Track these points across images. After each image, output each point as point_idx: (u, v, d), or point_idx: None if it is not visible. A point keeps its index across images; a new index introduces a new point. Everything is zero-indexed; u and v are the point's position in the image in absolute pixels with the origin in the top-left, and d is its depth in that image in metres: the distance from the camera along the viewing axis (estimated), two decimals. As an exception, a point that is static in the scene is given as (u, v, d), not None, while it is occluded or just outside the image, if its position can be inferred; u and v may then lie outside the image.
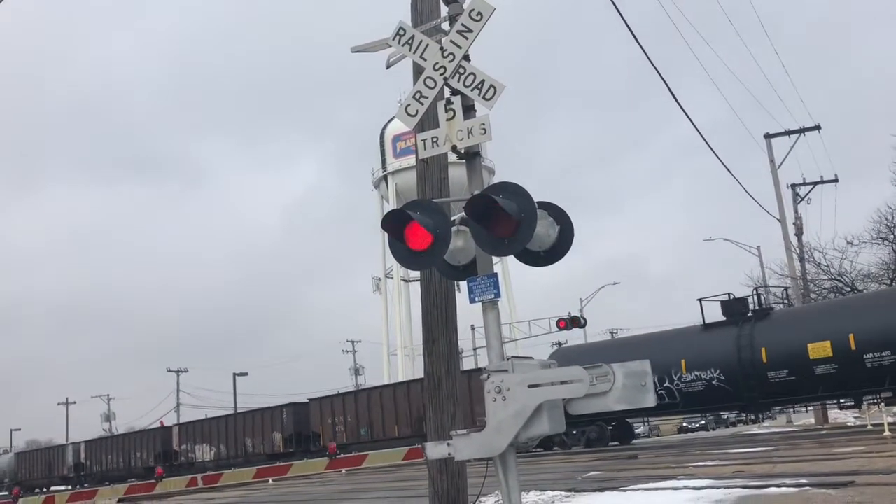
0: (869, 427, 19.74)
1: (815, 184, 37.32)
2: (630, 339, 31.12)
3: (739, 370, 23.11)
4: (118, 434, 59.06)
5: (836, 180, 37.29)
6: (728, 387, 23.67)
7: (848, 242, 35.37)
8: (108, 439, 53.52)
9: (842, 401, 23.80)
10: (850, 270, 35.19)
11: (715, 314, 25.32)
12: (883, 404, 21.77)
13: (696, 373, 24.41)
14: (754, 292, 25.87)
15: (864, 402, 22.18)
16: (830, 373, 21.36)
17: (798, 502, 8.25)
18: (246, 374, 69.04)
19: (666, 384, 24.82)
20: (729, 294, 25.62)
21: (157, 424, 55.75)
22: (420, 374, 35.81)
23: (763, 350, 22.92)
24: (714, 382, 23.94)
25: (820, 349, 21.47)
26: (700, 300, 26.08)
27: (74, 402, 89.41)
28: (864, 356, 20.73)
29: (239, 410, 49.42)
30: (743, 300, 25.27)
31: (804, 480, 9.85)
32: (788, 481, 9.93)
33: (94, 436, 63.19)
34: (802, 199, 37.23)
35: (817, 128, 36.23)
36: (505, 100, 5.52)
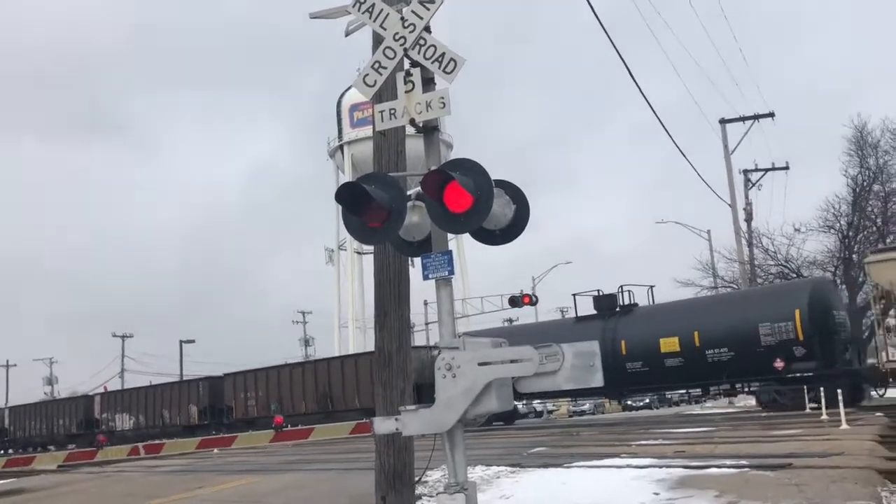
0: (808, 410, 20.31)
1: (766, 170, 37.99)
2: (518, 327, 33.19)
3: (603, 360, 23.83)
4: (41, 401, 58.39)
5: (787, 168, 38.02)
6: None
7: (795, 229, 36.20)
8: (32, 406, 53.54)
9: (690, 390, 26.40)
10: (796, 257, 36.05)
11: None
12: (722, 395, 23.48)
13: None
14: (620, 289, 27.45)
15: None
16: (678, 365, 23.73)
17: (737, 483, 8.44)
18: (193, 341, 68.29)
19: None
20: (598, 290, 27.91)
21: (101, 389, 55.01)
22: (369, 347, 35.95)
23: (623, 343, 25.19)
24: None
25: (670, 344, 23.86)
26: (574, 295, 28.71)
27: (15, 365, 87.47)
28: (707, 352, 23.16)
29: (170, 381, 49.45)
30: (612, 296, 27.16)
31: (744, 462, 10.08)
32: (728, 462, 10.16)
33: (35, 399, 62.07)
34: (754, 185, 37.89)
35: (771, 115, 36.82)
36: (464, 75, 5.44)
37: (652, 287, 29.54)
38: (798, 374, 21.81)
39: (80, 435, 44.51)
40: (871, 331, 22.39)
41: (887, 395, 23.31)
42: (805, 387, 21.22)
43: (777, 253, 36.79)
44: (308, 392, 34.11)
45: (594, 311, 27.39)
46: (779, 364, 21.82)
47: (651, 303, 28.87)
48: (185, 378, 43.98)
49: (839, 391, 15.72)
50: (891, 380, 20.60)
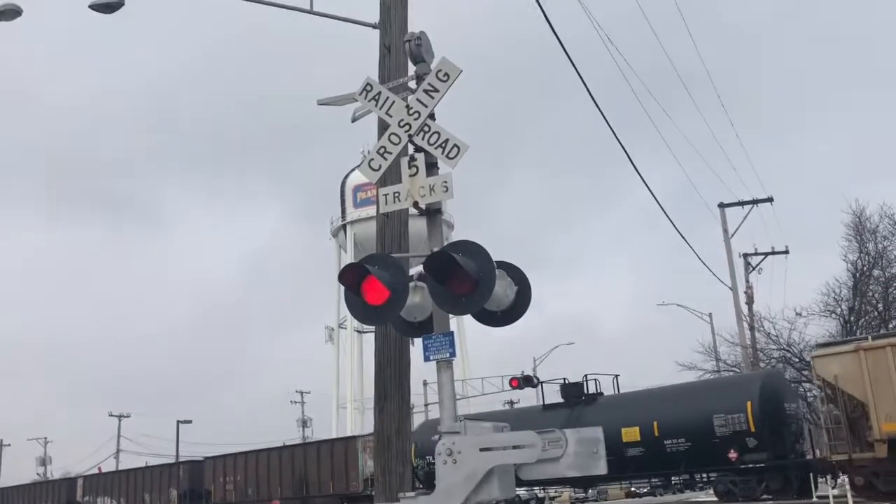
0: (814, 499, 19.80)
1: (766, 254, 38.10)
2: (490, 413, 33.47)
3: None
4: (27, 483, 58.07)
5: (786, 252, 38.13)
6: None
7: (797, 313, 36.04)
8: (17, 488, 53.89)
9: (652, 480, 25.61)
10: (798, 341, 35.81)
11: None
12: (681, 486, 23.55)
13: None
14: (585, 378, 27.91)
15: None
16: (639, 455, 23.92)
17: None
18: (190, 421, 67.22)
19: None
20: (564, 379, 28.43)
21: (96, 470, 54.01)
22: (368, 428, 35.25)
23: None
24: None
25: (631, 434, 23.95)
26: (541, 382, 29.70)
27: (9, 445, 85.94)
28: (665, 442, 23.41)
29: (159, 463, 49.63)
30: (578, 384, 27.52)
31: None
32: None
33: (27, 480, 60.99)
34: (754, 268, 37.96)
35: (770, 200, 37.18)
36: (469, 157, 5.55)
37: (617, 376, 30.03)
38: (751, 465, 22.25)
39: None
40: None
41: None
42: (758, 478, 21.83)
43: (779, 337, 36.60)
44: (285, 477, 34.26)
45: (561, 400, 27.72)
46: (732, 455, 22.18)
47: (616, 392, 29.18)
48: (164, 463, 44.67)
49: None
50: (839, 472, 20.22)
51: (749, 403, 22.21)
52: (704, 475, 24.92)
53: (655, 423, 23.76)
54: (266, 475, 34.99)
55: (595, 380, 27.95)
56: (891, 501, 17.97)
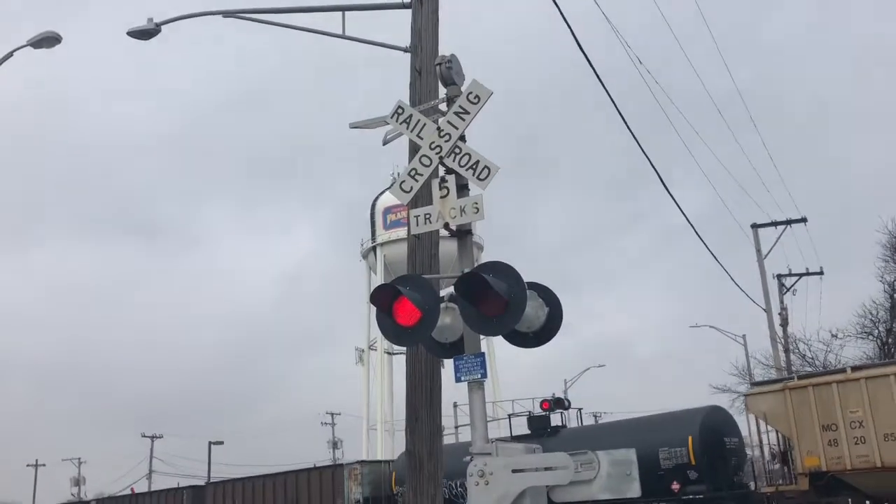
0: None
1: (800, 275, 37.60)
2: (465, 444, 35.35)
3: None
4: None
5: (821, 273, 37.61)
6: None
7: (833, 335, 35.50)
8: None
9: None
10: (834, 363, 35.18)
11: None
12: None
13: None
14: (549, 411, 29.29)
15: None
16: None
17: None
18: (222, 443, 67.44)
19: None
20: (529, 412, 30.26)
21: (129, 491, 54.35)
22: (399, 450, 35.18)
23: None
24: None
25: None
26: (510, 415, 31.74)
27: (44, 465, 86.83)
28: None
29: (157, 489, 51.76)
30: (545, 416, 28.85)
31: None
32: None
33: (62, 500, 61.54)
34: (788, 289, 37.46)
35: (803, 220, 36.73)
36: (500, 179, 5.57)
37: (580, 409, 32.33)
38: (692, 497, 23.07)
39: None
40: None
41: None
42: None
43: (815, 359, 36.02)
44: (278, 501, 35.74)
45: (528, 431, 29.03)
46: (675, 486, 23.11)
47: (579, 424, 31.10)
48: (212, 480, 45.62)
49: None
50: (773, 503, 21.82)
51: (690, 438, 23.42)
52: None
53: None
54: (262, 499, 36.75)
55: (561, 413, 29.57)
56: None
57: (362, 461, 35.18)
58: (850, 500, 19.78)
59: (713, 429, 23.97)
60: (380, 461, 35.45)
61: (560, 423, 29.32)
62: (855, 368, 20.66)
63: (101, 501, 48.99)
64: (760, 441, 22.45)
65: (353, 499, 31.63)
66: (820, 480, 19.96)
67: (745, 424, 24.33)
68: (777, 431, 21.09)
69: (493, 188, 5.60)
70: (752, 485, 24.27)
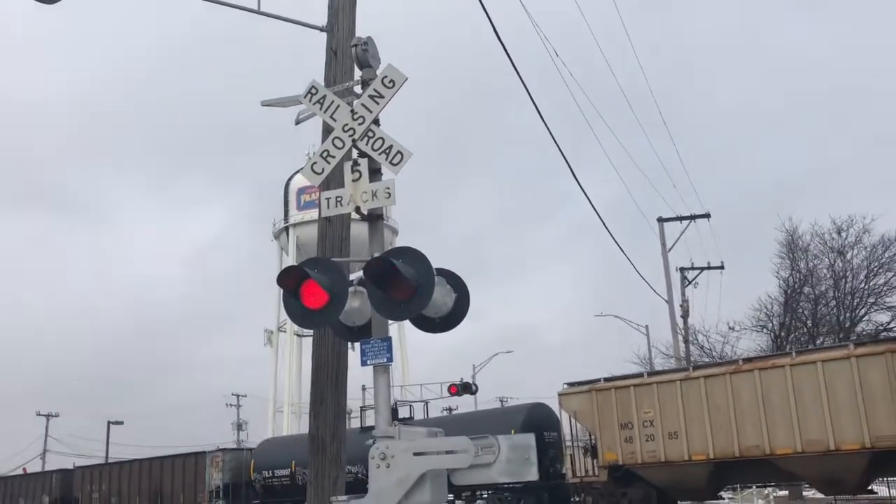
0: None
1: (702, 269, 39.00)
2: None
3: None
4: None
5: (721, 267, 39.10)
6: (368, 479, 30.57)
7: (730, 328, 37.05)
8: None
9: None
10: (731, 354, 36.72)
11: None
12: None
13: (349, 467, 31.21)
14: (395, 403, 31.48)
15: None
16: None
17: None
18: (121, 422, 65.68)
19: None
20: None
21: (20, 471, 52.39)
22: (303, 431, 35.47)
23: None
24: (360, 475, 28.85)
25: None
26: (362, 408, 33.29)
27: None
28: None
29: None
30: (394, 410, 30.27)
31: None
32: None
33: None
34: (690, 282, 38.82)
35: (707, 216, 38.09)
36: (417, 165, 5.59)
37: (427, 402, 34.99)
38: (508, 484, 23.98)
39: None
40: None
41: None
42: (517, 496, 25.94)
43: (712, 350, 37.51)
44: (143, 487, 37.10)
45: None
46: None
47: (425, 416, 33.24)
48: (38, 471, 49.30)
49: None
50: (581, 493, 24.84)
51: (513, 431, 24.81)
52: (484, 493, 28.36)
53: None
54: (128, 485, 38.10)
55: (410, 405, 32.97)
56: None
57: (223, 449, 36.41)
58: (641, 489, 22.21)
59: (534, 424, 26.39)
60: (241, 449, 37.41)
61: (408, 416, 31.77)
62: (651, 374, 22.92)
63: None
64: (573, 436, 24.55)
65: (214, 485, 33.34)
66: (618, 472, 22.41)
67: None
68: (586, 428, 23.25)
69: (411, 174, 5.62)
70: (567, 476, 26.09)
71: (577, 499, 26.02)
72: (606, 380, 23.43)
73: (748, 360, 21.57)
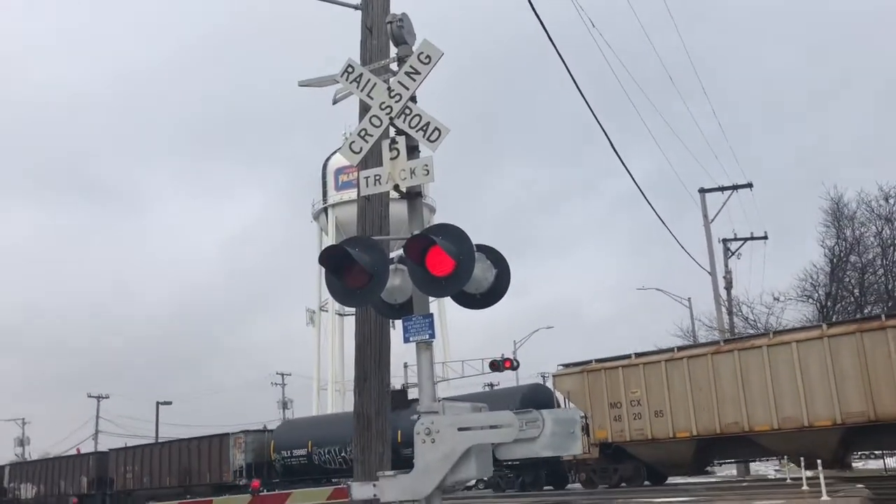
0: (788, 481, 20.16)
1: (745, 240, 38.44)
2: (331, 416, 38.57)
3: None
4: None
5: (765, 237, 38.52)
6: None
7: (775, 298, 36.54)
8: None
9: None
10: (776, 326, 36.24)
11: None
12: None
13: None
14: (403, 386, 33.35)
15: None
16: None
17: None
18: (170, 403, 67.17)
19: (343, 454, 31.79)
20: (393, 386, 33.69)
21: (74, 451, 53.94)
22: (347, 409, 36.28)
23: (399, 432, 28.15)
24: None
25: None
26: (404, 385, 34.55)
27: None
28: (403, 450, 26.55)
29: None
30: (403, 391, 32.57)
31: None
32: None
33: (6, 460, 60.85)
34: (733, 254, 38.29)
35: (749, 185, 37.47)
36: (455, 143, 5.57)
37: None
38: (510, 462, 25.06)
39: None
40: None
41: (869, 466, 23.96)
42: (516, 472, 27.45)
43: (756, 321, 37.04)
44: (173, 467, 39.21)
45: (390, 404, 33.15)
46: None
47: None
48: (75, 454, 50.30)
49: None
50: (575, 469, 26.15)
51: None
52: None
53: (399, 432, 27.52)
54: (158, 466, 40.07)
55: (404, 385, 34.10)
56: (604, 492, 22.89)
57: (246, 431, 38.10)
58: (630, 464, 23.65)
59: (532, 404, 27.26)
60: (262, 431, 38.55)
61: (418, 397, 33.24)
62: (638, 355, 23.36)
63: (15, 466, 52.08)
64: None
65: (238, 464, 35.64)
66: (608, 450, 23.58)
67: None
68: (578, 407, 24.03)
69: (449, 151, 5.60)
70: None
71: (572, 475, 27.38)
72: (597, 361, 24.22)
73: (728, 340, 22.59)
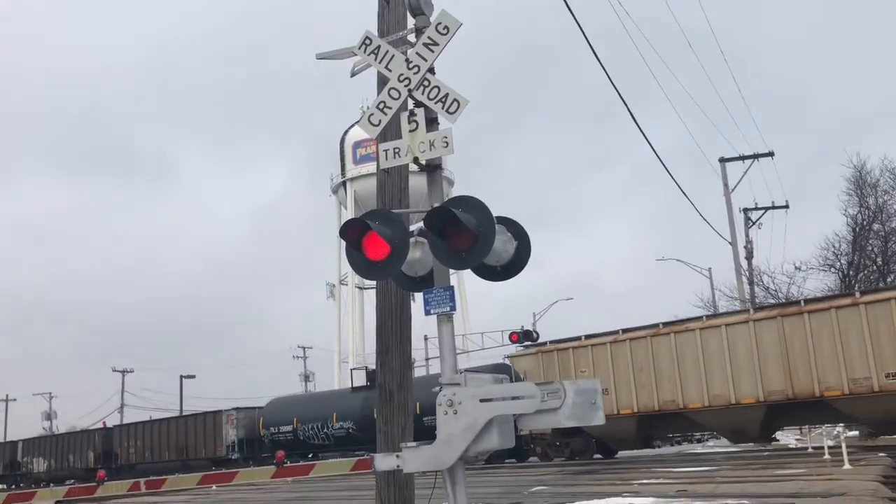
0: (810, 450, 20.16)
1: (766, 209, 38.10)
2: (313, 394, 40.75)
3: (363, 422, 32.39)
4: None
5: (786, 206, 38.14)
6: (358, 433, 32.99)
7: (796, 268, 36.31)
8: None
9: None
10: (797, 295, 36.00)
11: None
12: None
13: (342, 423, 33.97)
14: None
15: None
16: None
17: (739, 522, 8.39)
18: (193, 376, 68.07)
19: (324, 430, 34.40)
20: (366, 367, 35.59)
21: (100, 425, 54.86)
22: (358, 383, 37.12)
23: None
24: (350, 431, 33.34)
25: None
26: (352, 370, 38.05)
27: (15, 400, 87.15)
28: (424, 418, 27.27)
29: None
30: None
31: (745, 501, 10.01)
32: (730, 501, 10.09)
33: (33, 434, 62.02)
34: (754, 223, 37.99)
35: (770, 154, 37.06)
36: (471, 114, 5.54)
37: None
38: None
39: (2, 476, 53.00)
40: None
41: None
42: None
43: (778, 291, 36.81)
44: (171, 443, 41.89)
45: (367, 383, 33.83)
46: None
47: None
48: (82, 429, 55.62)
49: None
50: (532, 443, 27.14)
51: None
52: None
53: (418, 405, 29.11)
54: (158, 441, 42.80)
55: (365, 369, 35.40)
56: (557, 465, 23.57)
57: (238, 408, 40.83)
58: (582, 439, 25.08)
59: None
60: (253, 408, 40.81)
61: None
62: (587, 337, 24.94)
63: (28, 441, 54.36)
64: None
65: (230, 439, 38.68)
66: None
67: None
68: None
69: (468, 124, 5.58)
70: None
71: (529, 448, 28.24)
72: (552, 342, 25.96)
73: (667, 324, 23.50)
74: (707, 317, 23.44)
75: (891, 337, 19.33)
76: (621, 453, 27.35)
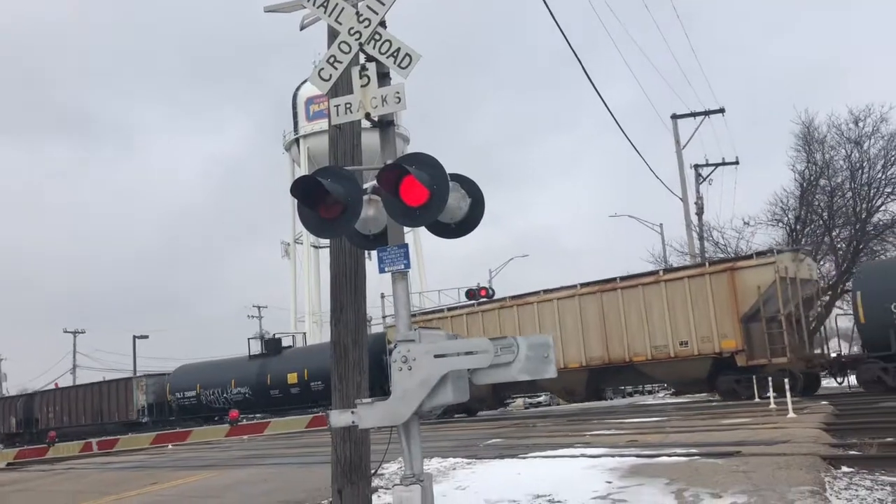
0: (756, 400, 20.79)
1: (716, 165, 38.64)
2: (215, 361, 42.32)
3: (258, 388, 35.85)
4: None
5: (736, 163, 38.71)
6: (253, 398, 35.85)
7: (745, 223, 36.97)
8: None
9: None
10: (745, 250, 36.73)
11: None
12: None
13: (239, 388, 36.63)
14: (274, 335, 39.44)
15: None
16: (297, 393, 34.14)
17: (687, 471, 8.64)
18: (146, 336, 67.25)
19: (224, 395, 36.98)
20: (264, 335, 40.46)
21: (52, 386, 54.12)
22: (325, 340, 37.02)
23: (269, 376, 35.38)
24: (247, 395, 36.24)
25: (293, 377, 34.41)
26: (249, 339, 41.23)
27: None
28: (311, 384, 33.40)
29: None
30: (277, 340, 38.54)
31: (694, 450, 10.31)
32: (679, 451, 10.37)
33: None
34: (704, 179, 38.54)
35: (721, 111, 37.48)
36: (427, 73, 5.48)
37: (304, 333, 43.08)
38: None
39: None
40: None
41: (833, 384, 24.85)
42: None
43: (727, 246, 37.53)
44: (87, 408, 43.81)
45: (264, 351, 37.34)
46: None
47: (304, 345, 40.51)
48: (6, 396, 57.19)
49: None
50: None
51: None
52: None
53: (305, 371, 33.81)
54: (76, 406, 44.50)
55: (292, 335, 41.14)
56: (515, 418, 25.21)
57: (147, 375, 43.65)
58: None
59: (376, 348, 28.67)
60: (161, 374, 43.21)
61: (290, 345, 38.99)
62: (450, 309, 30.07)
63: None
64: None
65: (140, 404, 41.04)
66: None
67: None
68: None
69: (422, 82, 5.51)
70: None
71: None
72: (449, 308, 30.28)
73: (513, 297, 27.32)
74: (544, 292, 26.35)
75: (684, 311, 22.74)
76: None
